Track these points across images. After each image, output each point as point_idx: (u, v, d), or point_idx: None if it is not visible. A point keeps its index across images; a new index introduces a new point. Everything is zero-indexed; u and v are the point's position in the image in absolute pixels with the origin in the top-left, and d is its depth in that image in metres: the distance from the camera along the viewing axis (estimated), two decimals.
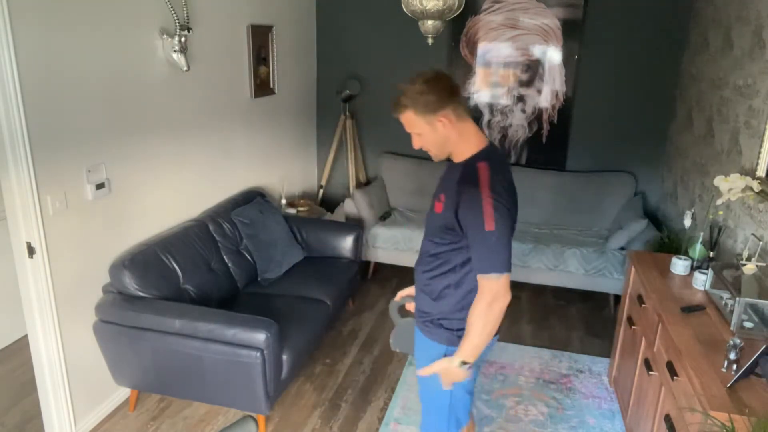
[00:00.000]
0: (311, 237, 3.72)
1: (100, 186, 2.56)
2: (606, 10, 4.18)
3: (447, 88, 1.68)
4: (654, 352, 2.30)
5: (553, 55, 4.33)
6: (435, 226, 1.78)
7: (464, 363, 1.71)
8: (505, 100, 4.50)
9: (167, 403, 2.89)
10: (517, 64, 4.41)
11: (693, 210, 2.93)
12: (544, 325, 3.83)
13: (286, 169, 4.47)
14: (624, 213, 4.10)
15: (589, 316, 3.96)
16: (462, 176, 1.68)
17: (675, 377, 1.98)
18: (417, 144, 1.75)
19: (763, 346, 1.75)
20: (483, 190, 1.61)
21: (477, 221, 1.61)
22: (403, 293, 2.08)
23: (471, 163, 1.70)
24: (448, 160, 1.80)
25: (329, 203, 4.96)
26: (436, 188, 1.85)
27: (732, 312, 2.11)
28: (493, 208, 1.59)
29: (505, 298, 1.65)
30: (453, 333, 1.81)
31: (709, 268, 2.43)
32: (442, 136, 1.70)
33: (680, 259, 2.62)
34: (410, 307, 2.03)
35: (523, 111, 4.51)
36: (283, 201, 4.21)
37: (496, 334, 1.81)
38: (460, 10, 3.05)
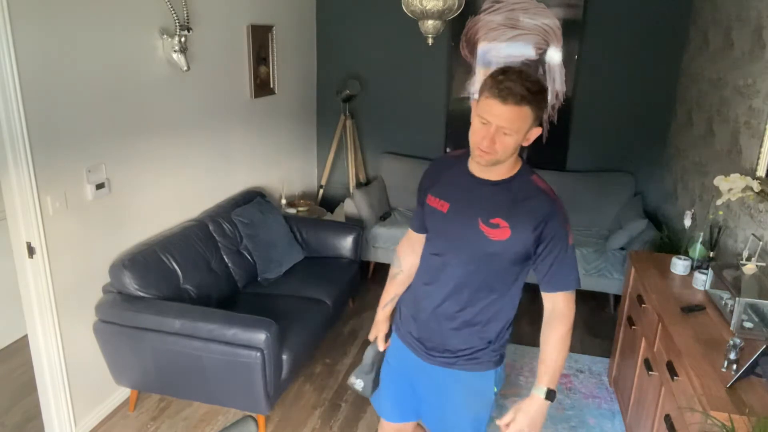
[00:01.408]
0: (311, 237, 3.72)
1: (100, 186, 2.55)
2: (606, 10, 4.18)
3: None
4: (654, 352, 2.30)
5: (553, 55, 4.33)
6: (493, 255, 1.55)
7: (551, 392, 1.54)
8: None
9: (167, 403, 2.89)
10: (517, 64, 4.41)
11: (693, 210, 2.93)
12: None
13: (286, 169, 4.47)
14: (624, 213, 4.10)
15: (589, 316, 3.96)
16: (526, 193, 1.52)
17: (675, 377, 1.98)
18: (493, 143, 1.43)
19: (763, 346, 1.75)
20: (558, 203, 1.51)
21: (563, 238, 1.51)
22: (383, 339, 1.84)
23: (525, 178, 1.54)
24: (441, 171, 1.67)
25: (329, 203, 4.96)
26: (458, 210, 1.58)
27: (732, 312, 2.11)
28: (568, 221, 1.53)
29: None
30: (500, 352, 1.68)
31: (709, 268, 2.43)
32: (519, 145, 1.47)
33: (680, 259, 2.62)
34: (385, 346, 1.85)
35: None
36: (283, 201, 4.21)
37: None
38: (460, 10, 3.05)
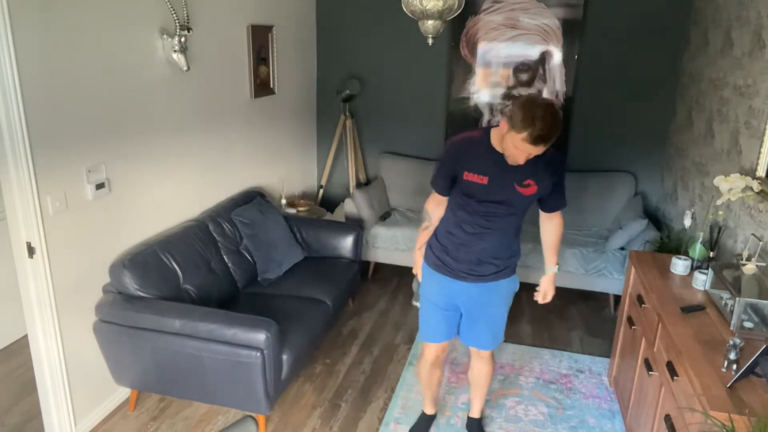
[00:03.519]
0: (311, 237, 3.72)
1: (100, 186, 2.56)
2: (606, 10, 4.18)
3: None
4: (654, 352, 2.30)
5: (553, 55, 4.33)
6: (525, 203, 2.19)
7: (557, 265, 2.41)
8: (504, 101, 4.50)
9: (167, 403, 2.89)
10: (517, 64, 4.41)
11: (693, 210, 2.93)
12: (544, 325, 3.83)
13: (286, 169, 4.47)
14: (624, 213, 4.10)
15: (589, 316, 3.96)
16: (544, 158, 2.08)
17: (675, 377, 1.98)
18: (524, 160, 2.01)
19: (763, 346, 1.75)
20: (558, 152, 2.16)
21: (563, 175, 2.21)
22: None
23: None
24: (477, 151, 2.15)
25: (329, 203, 4.96)
26: (497, 181, 2.11)
27: (732, 312, 2.11)
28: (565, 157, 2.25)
29: None
30: (517, 261, 2.39)
31: (709, 268, 2.43)
32: None
33: (680, 259, 2.62)
34: None
35: None
36: (283, 201, 4.21)
37: None
38: (460, 10, 3.05)
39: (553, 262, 2.40)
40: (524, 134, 1.88)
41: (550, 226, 2.35)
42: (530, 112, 1.85)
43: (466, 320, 2.45)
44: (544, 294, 2.43)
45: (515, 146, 1.95)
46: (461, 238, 2.26)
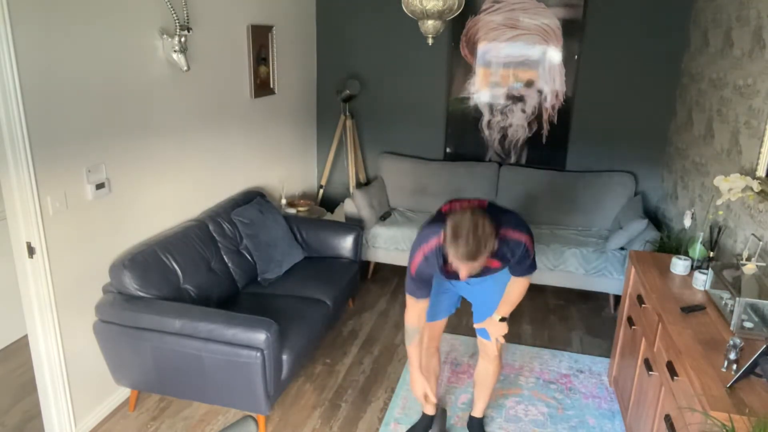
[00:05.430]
0: (311, 237, 3.72)
1: (100, 186, 2.56)
2: (606, 10, 4.18)
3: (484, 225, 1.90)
4: (654, 352, 2.30)
5: (553, 55, 4.33)
6: (500, 270, 2.31)
7: (503, 318, 2.39)
8: (504, 101, 4.51)
9: (167, 403, 2.89)
10: (517, 64, 4.41)
11: (693, 210, 2.93)
12: (544, 325, 3.83)
13: (286, 169, 4.47)
14: (624, 213, 4.10)
15: (589, 316, 3.96)
16: (506, 246, 2.12)
17: (675, 377, 1.98)
18: (467, 275, 2.01)
19: (763, 346, 1.75)
20: (523, 239, 2.15)
21: (525, 253, 2.18)
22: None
23: (501, 239, 2.08)
24: None
25: (329, 203, 4.96)
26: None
27: (732, 312, 2.11)
28: (532, 242, 2.20)
29: None
30: None
31: (709, 268, 2.43)
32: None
33: (680, 259, 2.62)
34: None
35: (523, 111, 4.51)
36: (283, 201, 4.21)
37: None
38: (460, 10, 3.05)
39: (502, 312, 2.39)
40: (452, 252, 1.91)
41: (515, 283, 2.34)
42: (455, 231, 1.87)
43: (474, 300, 2.55)
44: (494, 336, 2.45)
45: (452, 259, 1.95)
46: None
